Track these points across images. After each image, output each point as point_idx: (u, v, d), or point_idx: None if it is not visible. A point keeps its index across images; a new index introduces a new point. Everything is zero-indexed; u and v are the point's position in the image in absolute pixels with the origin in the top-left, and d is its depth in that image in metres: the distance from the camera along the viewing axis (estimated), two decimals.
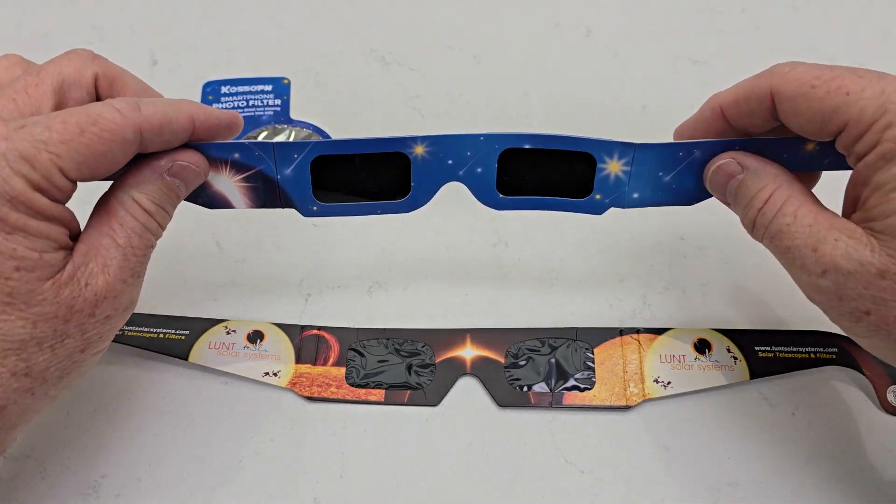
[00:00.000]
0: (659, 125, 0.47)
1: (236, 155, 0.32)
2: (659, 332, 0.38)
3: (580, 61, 0.51)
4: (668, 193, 0.34)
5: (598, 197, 0.34)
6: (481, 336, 0.38)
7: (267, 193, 0.34)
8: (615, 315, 0.39)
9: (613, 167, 0.33)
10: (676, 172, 0.33)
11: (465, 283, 0.41)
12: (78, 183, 0.27)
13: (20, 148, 0.24)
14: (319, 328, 0.39)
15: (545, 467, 0.35)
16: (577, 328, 0.38)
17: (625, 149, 0.33)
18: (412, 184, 0.34)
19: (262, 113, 0.48)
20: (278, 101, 0.49)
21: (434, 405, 0.36)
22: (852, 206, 0.28)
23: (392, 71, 0.50)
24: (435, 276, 0.41)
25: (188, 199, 0.33)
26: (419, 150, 0.33)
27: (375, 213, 0.35)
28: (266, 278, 0.41)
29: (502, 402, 0.36)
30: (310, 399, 0.36)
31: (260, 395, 0.37)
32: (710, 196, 0.33)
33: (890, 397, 0.35)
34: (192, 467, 0.35)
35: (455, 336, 0.38)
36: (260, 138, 0.46)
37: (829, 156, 0.31)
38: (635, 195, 0.34)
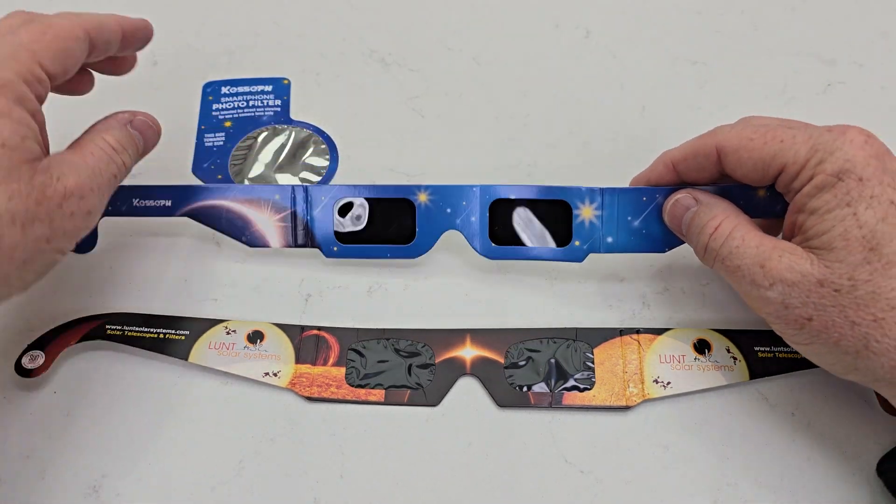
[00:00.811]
0: (658, 126, 0.48)
1: (277, 196, 0.39)
2: (658, 332, 0.38)
3: (580, 62, 0.51)
4: (639, 238, 0.38)
5: (577, 244, 0.38)
6: (481, 336, 0.38)
7: (297, 233, 0.40)
8: (615, 315, 0.39)
9: (586, 212, 0.38)
10: (644, 217, 0.38)
11: (465, 284, 0.41)
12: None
13: (3, 51, 0.30)
14: (319, 328, 0.39)
15: (545, 467, 0.35)
16: (576, 328, 0.38)
17: (592, 193, 0.38)
18: (417, 230, 0.39)
19: (262, 113, 0.48)
20: (278, 102, 0.48)
21: (434, 405, 0.36)
22: (791, 232, 0.32)
23: (392, 71, 0.50)
24: (434, 276, 0.41)
25: (234, 235, 0.40)
26: (422, 197, 0.39)
27: (386, 256, 0.40)
28: (266, 278, 0.41)
29: (502, 403, 0.36)
30: (310, 399, 0.36)
31: (260, 396, 0.37)
32: (681, 243, 0.37)
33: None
34: (192, 467, 0.35)
35: (455, 336, 0.38)
36: (259, 139, 0.46)
37: (780, 203, 0.34)
38: (609, 239, 0.38)
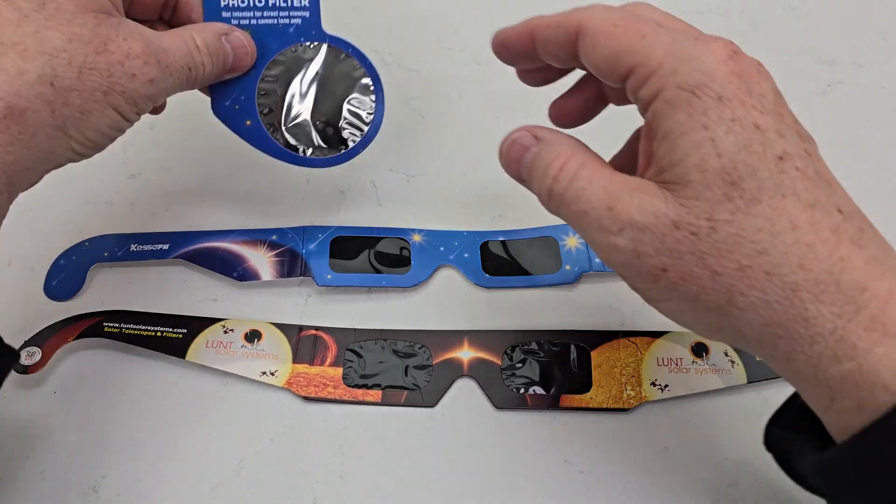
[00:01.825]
0: None
1: (274, 237, 0.41)
2: (656, 335, 0.38)
3: None
4: None
5: (567, 268, 0.40)
6: (479, 338, 0.38)
7: (290, 266, 0.40)
8: (614, 316, 0.40)
9: (572, 241, 0.41)
10: None
11: (463, 285, 0.41)
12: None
13: None
14: (317, 328, 0.39)
15: (545, 468, 0.35)
16: (574, 331, 0.38)
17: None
18: (412, 262, 0.41)
19: (286, 19, 0.37)
20: (305, 3, 0.38)
21: (431, 406, 0.36)
22: (646, 164, 0.26)
23: (392, 72, 0.50)
24: (433, 277, 0.41)
25: (225, 273, 0.40)
26: (417, 238, 0.42)
27: (381, 284, 0.40)
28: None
29: (499, 404, 0.36)
30: (306, 399, 0.37)
31: (259, 395, 0.37)
32: None
33: None
34: (192, 467, 0.35)
35: (452, 338, 0.38)
36: (287, 65, 0.38)
37: None
38: (597, 259, 0.40)
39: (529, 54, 0.31)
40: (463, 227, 0.43)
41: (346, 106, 0.38)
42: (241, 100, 0.37)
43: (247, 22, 0.36)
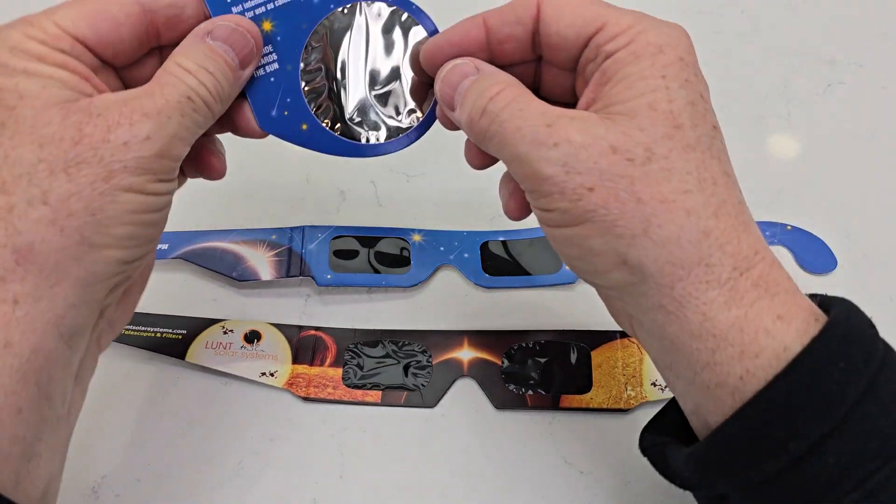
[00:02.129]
0: None
1: (273, 237, 0.41)
2: None
3: None
4: None
5: (567, 268, 0.39)
6: (479, 338, 0.38)
7: (290, 266, 0.40)
8: None
9: None
10: None
11: (463, 285, 0.41)
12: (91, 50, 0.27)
13: (21, 19, 0.27)
14: (317, 329, 0.39)
15: (545, 468, 0.35)
16: (574, 331, 0.38)
17: None
18: (412, 262, 0.41)
19: None
20: None
21: (431, 407, 0.36)
22: (589, 104, 0.27)
23: None
24: (433, 278, 0.41)
25: (224, 272, 0.39)
26: (417, 238, 0.41)
27: (381, 284, 0.40)
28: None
29: (499, 405, 0.36)
30: (306, 399, 0.36)
31: (259, 396, 0.37)
32: None
33: None
34: (192, 468, 0.35)
35: (452, 338, 0.38)
36: (331, 45, 0.32)
37: None
38: None
39: (480, 44, 0.29)
40: (463, 227, 0.43)
41: (403, 70, 0.32)
42: (288, 103, 0.31)
43: (262, 9, 0.30)
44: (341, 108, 0.32)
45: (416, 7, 0.31)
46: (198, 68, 0.27)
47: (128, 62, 0.29)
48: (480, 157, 0.31)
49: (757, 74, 0.50)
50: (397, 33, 0.31)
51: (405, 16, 0.31)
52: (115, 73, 0.29)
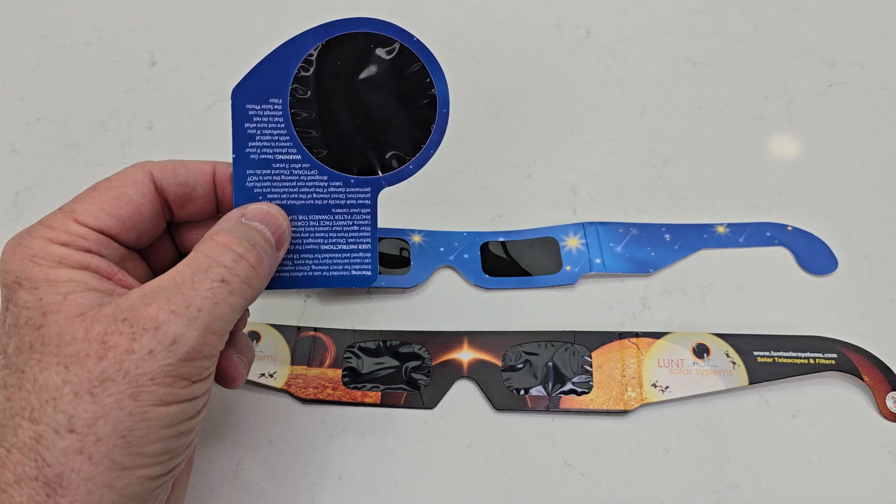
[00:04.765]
0: (659, 126, 0.47)
1: None
2: (657, 336, 0.38)
3: (580, 62, 0.51)
4: (623, 261, 0.41)
5: (567, 268, 0.41)
6: (478, 339, 0.38)
7: None
8: (615, 316, 0.39)
9: (572, 242, 0.41)
10: (624, 244, 0.41)
11: (462, 286, 0.41)
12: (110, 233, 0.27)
13: (41, 222, 0.26)
14: (316, 329, 0.38)
15: (545, 470, 0.35)
16: (574, 332, 0.38)
17: (576, 227, 0.42)
18: (412, 262, 0.40)
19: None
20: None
21: (430, 408, 0.36)
22: None
23: None
24: (433, 278, 0.41)
25: None
26: (416, 238, 0.41)
27: (380, 285, 0.39)
28: None
29: (499, 406, 0.36)
30: (305, 401, 0.36)
31: (259, 397, 0.37)
32: (665, 265, 0.40)
33: (889, 404, 0.35)
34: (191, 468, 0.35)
35: (452, 339, 0.38)
36: None
37: (742, 235, 0.41)
38: (597, 260, 0.41)
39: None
40: (463, 228, 0.43)
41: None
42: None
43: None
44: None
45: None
46: (238, 240, 0.26)
47: (149, 243, 0.29)
48: None
49: (757, 75, 0.50)
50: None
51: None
52: (139, 258, 0.29)
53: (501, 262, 0.41)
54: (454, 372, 0.37)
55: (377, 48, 0.29)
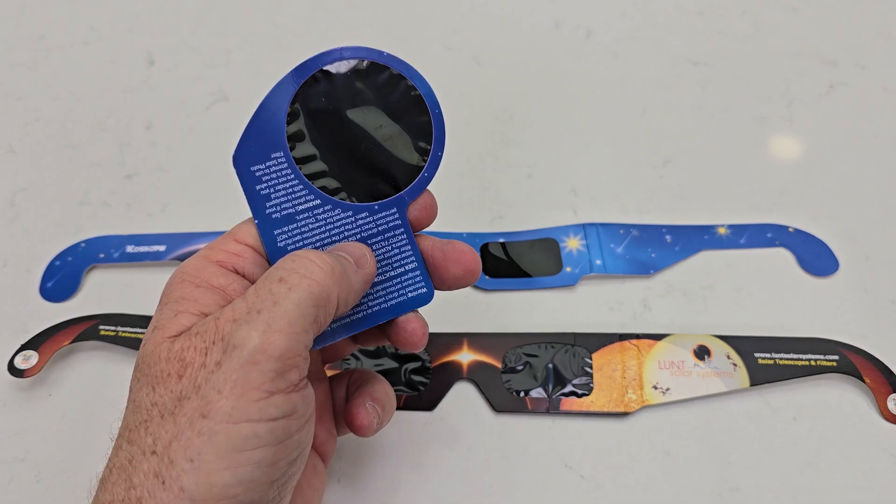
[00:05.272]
0: (659, 127, 0.47)
1: None
2: (658, 337, 0.38)
3: (580, 62, 0.51)
4: (624, 262, 0.41)
5: (568, 270, 0.41)
6: (478, 341, 0.38)
7: None
8: (615, 318, 0.39)
9: (573, 243, 0.41)
10: (625, 245, 0.41)
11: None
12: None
13: (210, 243, 0.27)
14: None
15: (545, 472, 0.35)
16: (575, 333, 0.38)
17: (576, 228, 0.42)
18: None
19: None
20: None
21: (430, 410, 0.36)
22: None
23: None
24: None
25: None
26: None
27: None
28: None
29: (499, 408, 0.36)
30: None
31: None
32: (665, 266, 0.40)
33: (890, 405, 0.35)
34: None
35: (452, 340, 0.38)
36: None
37: (743, 236, 0.41)
38: (598, 261, 0.41)
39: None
40: (462, 229, 0.42)
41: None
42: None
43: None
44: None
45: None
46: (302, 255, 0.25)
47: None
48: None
49: (759, 75, 0.49)
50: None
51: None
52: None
53: (501, 263, 0.41)
54: (454, 374, 0.37)
55: (353, 73, 0.28)
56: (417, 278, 0.28)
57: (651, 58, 0.51)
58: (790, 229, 0.42)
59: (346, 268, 0.25)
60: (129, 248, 0.41)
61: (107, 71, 0.51)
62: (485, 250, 0.41)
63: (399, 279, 0.28)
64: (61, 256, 0.41)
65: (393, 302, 0.28)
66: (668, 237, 0.42)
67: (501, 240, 0.42)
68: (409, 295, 0.28)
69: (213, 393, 0.21)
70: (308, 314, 0.23)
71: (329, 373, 0.32)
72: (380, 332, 0.29)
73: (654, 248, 0.41)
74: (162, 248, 0.41)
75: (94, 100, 0.49)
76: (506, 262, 0.41)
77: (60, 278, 0.40)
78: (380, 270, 0.28)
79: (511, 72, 0.50)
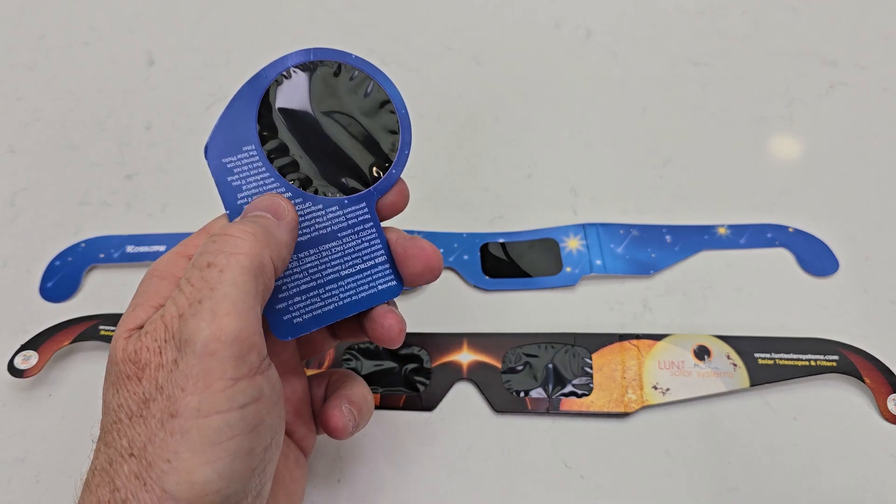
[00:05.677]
0: (659, 127, 0.47)
1: None
2: (658, 338, 0.38)
3: (580, 62, 0.51)
4: (624, 262, 0.41)
5: (568, 270, 0.41)
6: (478, 341, 0.38)
7: None
8: (615, 318, 0.39)
9: (573, 244, 0.41)
10: (625, 245, 0.41)
11: (462, 287, 0.41)
12: None
13: None
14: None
15: (545, 472, 0.35)
16: (575, 333, 0.38)
17: (576, 228, 0.42)
18: None
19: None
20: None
21: (430, 410, 0.36)
22: None
23: (392, 71, 0.50)
24: None
25: None
26: None
27: None
28: None
29: (499, 408, 0.36)
30: None
31: None
32: (665, 266, 0.40)
33: (890, 406, 0.35)
34: None
35: (452, 340, 0.38)
36: None
37: (742, 236, 0.41)
38: (598, 262, 0.41)
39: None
40: (462, 229, 0.42)
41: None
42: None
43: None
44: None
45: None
46: (213, 233, 0.24)
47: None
48: None
49: (758, 75, 0.49)
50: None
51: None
52: None
53: (501, 263, 0.41)
54: (454, 374, 0.37)
55: (325, 72, 0.29)
56: (387, 271, 0.29)
57: (651, 58, 0.51)
58: (790, 229, 0.42)
59: (267, 227, 0.25)
60: (129, 249, 0.41)
61: (107, 71, 0.51)
62: (485, 250, 0.41)
63: (369, 272, 0.29)
64: (61, 256, 0.41)
65: (363, 294, 0.29)
66: (668, 237, 0.42)
67: (501, 240, 0.42)
68: (379, 287, 0.29)
69: (177, 391, 0.21)
70: (249, 289, 0.23)
71: (312, 372, 0.32)
72: (357, 327, 0.30)
73: (654, 248, 0.41)
74: (162, 248, 0.41)
75: (94, 100, 0.49)
76: (506, 262, 0.41)
77: (60, 278, 0.40)
78: (350, 263, 0.29)
79: (511, 72, 0.50)
